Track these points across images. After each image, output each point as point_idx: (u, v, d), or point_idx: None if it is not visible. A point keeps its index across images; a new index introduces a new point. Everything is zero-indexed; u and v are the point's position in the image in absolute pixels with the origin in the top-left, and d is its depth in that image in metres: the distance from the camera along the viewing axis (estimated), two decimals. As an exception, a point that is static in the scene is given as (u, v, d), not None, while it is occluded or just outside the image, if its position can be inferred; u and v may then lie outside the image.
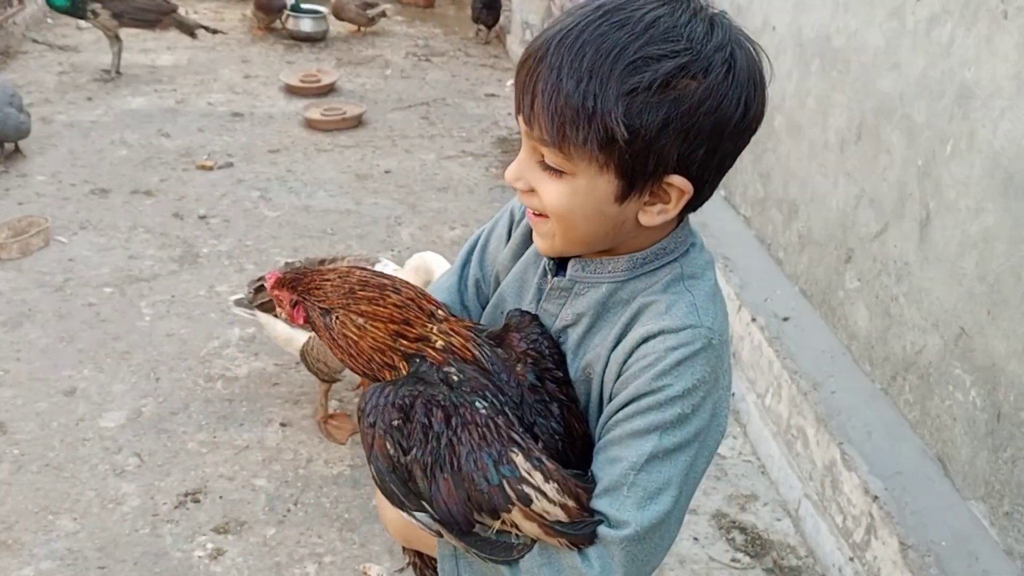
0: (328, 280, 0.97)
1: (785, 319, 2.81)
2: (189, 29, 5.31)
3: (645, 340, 0.92)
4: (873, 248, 2.44)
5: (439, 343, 0.95)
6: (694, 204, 0.93)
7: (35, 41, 5.73)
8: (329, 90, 5.34)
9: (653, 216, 0.90)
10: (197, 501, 2.36)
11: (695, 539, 2.39)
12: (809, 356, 2.64)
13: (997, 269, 1.95)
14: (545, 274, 1.03)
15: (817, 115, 2.75)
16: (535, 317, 1.02)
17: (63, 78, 5.22)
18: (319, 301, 0.97)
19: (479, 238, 1.18)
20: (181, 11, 5.37)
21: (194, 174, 4.20)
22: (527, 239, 1.08)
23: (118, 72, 5.27)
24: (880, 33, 2.40)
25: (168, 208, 3.87)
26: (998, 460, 1.96)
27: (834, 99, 2.65)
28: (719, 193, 3.50)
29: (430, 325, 0.95)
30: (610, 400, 0.94)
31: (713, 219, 3.38)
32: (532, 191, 0.91)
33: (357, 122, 4.90)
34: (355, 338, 0.95)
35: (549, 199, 0.89)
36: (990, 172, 1.97)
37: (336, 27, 6.47)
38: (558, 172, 0.87)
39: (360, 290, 0.95)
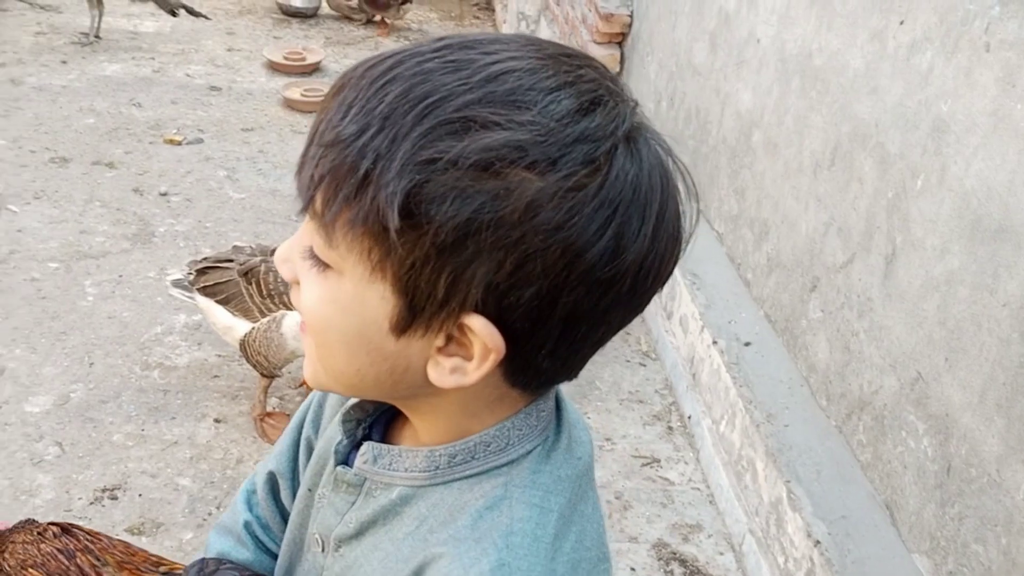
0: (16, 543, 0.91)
1: (747, 344, 2.71)
2: (169, 8, 5.15)
3: None
4: (838, 279, 2.34)
5: None
6: (524, 376, 0.60)
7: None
8: (313, 70, 5.21)
9: (445, 373, 0.58)
10: (115, 498, 2.26)
11: (632, 569, 2.29)
12: (767, 385, 2.54)
13: (958, 315, 1.85)
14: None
15: (794, 135, 2.64)
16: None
17: (39, 39, 5.09)
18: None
19: None
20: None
21: (161, 148, 4.08)
22: None
23: (97, 36, 5.13)
24: (860, 55, 2.29)
25: (129, 183, 3.75)
26: (945, 515, 1.86)
27: (811, 120, 2.54)
28: (694, 205, 3.41)
29: None
30: None
31: (686, 232, 3.27)
32: (298, 284, 0.62)
33: (337, 105, 4.77)
34: None
35: (305, 301, 0.61)
36: (959, 212, 1.86)
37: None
38: (323, 264, 0.59)
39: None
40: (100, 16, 5.13)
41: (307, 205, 0.57)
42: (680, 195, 0.61)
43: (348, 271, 0.57)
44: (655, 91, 3.91)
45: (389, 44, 5.84)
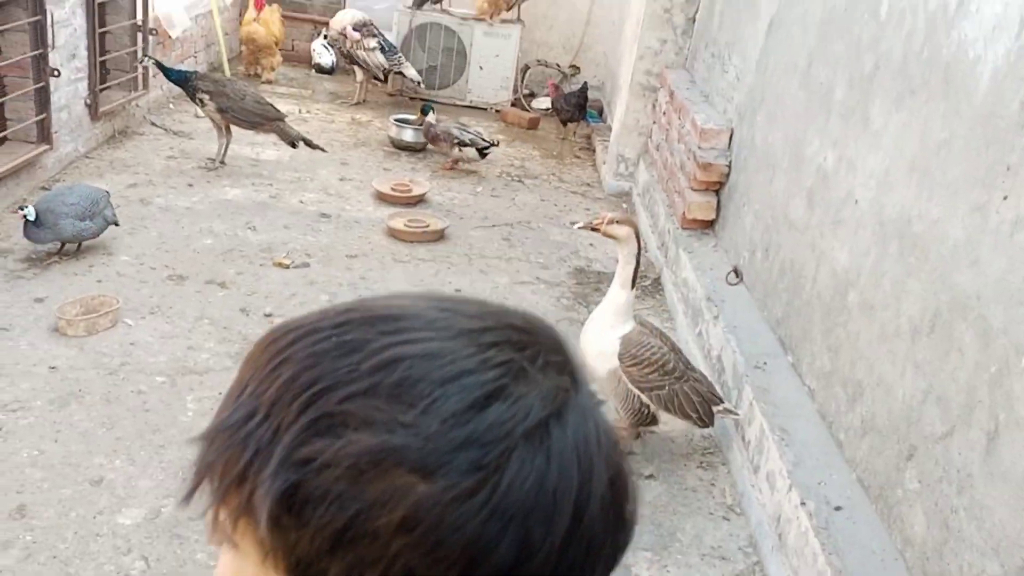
0: None
1: (837, 508, 2.62)
2: (291, 139, 5.52)
3: None
4: (937, 450, 2.26)
5: None
6: None
7: (153, 124, 6.05)
8: (418, 201, 5.44)
9: None
10: (192, 618, 2.29)
11: None
12: (858, 555, 2.44)
13: (1065, 504, 1.76)
14: None
15: (891, 298, 2.62)
16: None
17: (170, 162, 5.48)
18: None
19: None
20: (288, 120, 5.61)
21: (270, 270, 4.29)
22: None
23: (222, 162, 5.50)
24: (961, 226, 2.28)
25: (237, 302, 3.94)
26: None
27: (909, 285, 2.52)
28: (787, 358, 3.37)
29: None
30: None
31: (777, 385, 3.23)
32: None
33: (439, 236, 4.96)
34: None
35: (218, 569, 0.58)
36: (1065, 395, 1.80)
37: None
38: (232, 540, 0.55)
39: None
40: (227, 144, 5.51)
41: (193, 490, 0.55)
42: (624, 472, 0.56)
43: (249, 553, 0.54)
44: (750, 241, 3.94)
45: (469, 181, 6.06)
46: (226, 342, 3.61)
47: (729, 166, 4.37)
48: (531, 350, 0.53)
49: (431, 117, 6.13)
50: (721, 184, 4.45)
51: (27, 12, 4.37)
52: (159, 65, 5.47)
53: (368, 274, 4.42)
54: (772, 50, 3.98)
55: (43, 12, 4.44)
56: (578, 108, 6.95)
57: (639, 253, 3.12)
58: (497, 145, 6.16)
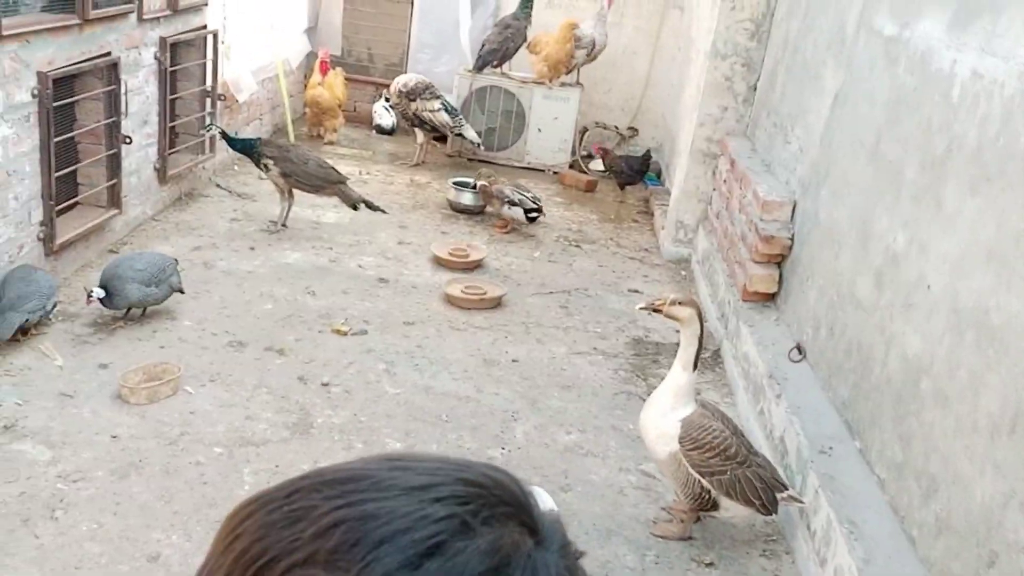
0: None
1: (912, 612, 2.49)
2: (352, 202, 5.61)
3: None
4: (1023, 561, 2.14)
5: None
6: None
7: (218, 186, 6.19)
8: (476, 266, 5.45)
9: None
10: None
11: None
12: (935, 666, 2.31)
13: None
14: None
15: (968, 391, 2.52)
16: None
17: (233, 225, 5.58)
18: None
19: None
20: (349, 182, 5.70)
21: (328, 337, 4.31)
22: None
23: (284, 225, 5.59)
24: (1044, 322, 2.19)
25: (295, 370, 3.95)
26: None
27: (988, 379, 2.42)
28: (854, 444, 3.26)
29: None
30: None
31: (844, 472, 3.12)
32: None
33: (496, 303, 4.95)
34: None
35: None
36: None
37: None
38: None
39: None
40: (289, 207, 5.60)
41: None
42: None
43: None
44: (814, 317, 3.85)
45: (524, 243, 6.05)
46: (283, 412, 3.62)
47: (792, 239, 4.30)
48: (476, 503, 0.52)
49: (487, 179, 6.20)
50: (783, 257, 4.38)
51: (102, 82, 4.52)
52: (224, 135, 5.61)
53: (425, 342, 4.41)
54: (837, 124, 3.92)
55: (118, 81, 4.59)
56: (639, 173, 6.98)
57: (701, 334, 3.07)
58: (543, 212, 6.16)
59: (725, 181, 5.31)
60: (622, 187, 7.08)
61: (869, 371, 3.20)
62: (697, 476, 3.04)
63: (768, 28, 5.44)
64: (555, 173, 7.64)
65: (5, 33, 3.67)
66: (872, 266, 3.30)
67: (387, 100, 7.97)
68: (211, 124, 5.72)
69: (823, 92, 4.19)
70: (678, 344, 4.96)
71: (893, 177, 3.23)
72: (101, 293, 3.90)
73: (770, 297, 4.47)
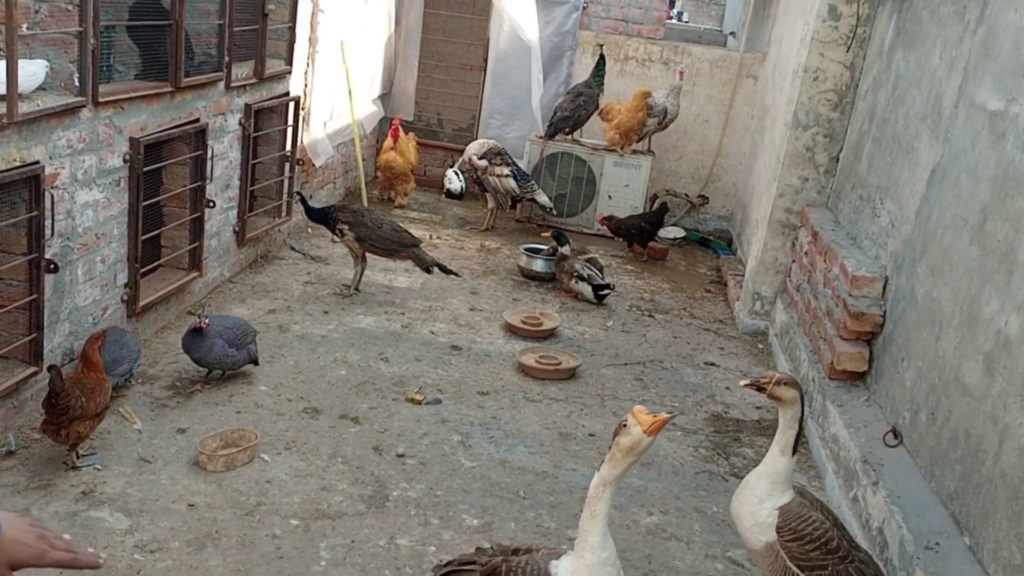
0: None
1: None
2: (425, 265, 5.61)
3: None
4: None
5: None
6: None
7: (292, 248, 6.24)
8: (549, 335, 5.36)
9: None
10: None
11: None
12: None
13: None
14: None
15: (1102, 492, 2.33)
16: None
17: (307, 288, 5.59)
18: None
19: None
20: (421, 246, 5.69)
21: (402, 406, 4.24)
22: None
23: (356, 289, 5.58)
24: None
25: (370, 439, 3.88)
26: None
27: None
28: (963, 540, 3.06)
29: None
30: None
31: (953, 571, 2.91)
32: None
33: (570, 374, 4.84)
34: None
35: None
36: None
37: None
38: None
39: None
40: (362, 271, 5.60)
41: None
42: None
43: None
44: (911, 400, 3.67)
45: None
46: (359, 484, 3.54)
47: (884, 316, 4.14)
48: None
49: (566, 249, 6.16)
50: (874, 335, 4.21)
51: (190, 147, 4.59)
52: (303, 202, 5.67)
53: (500, 413, 4.31)
54: (935, 200, 3.79)
55: (205, 147, 4.66)
56: (655, 226, 7.27)
57: (802, 417, 2.92)
58: (614, 289, 6.09)
59: (807, 253, 5.17)
60: (643, 245, 7.28)
61: (980, 462, 3.01)
62: (795, 569, 2.86)
63: (852, 99, 5.34)
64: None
65: (101, 100, 3.74)
66: (981, 350, 3.13)
67: (457, 165, 8.04)
68: (296, 192, 5.82)
69: (917, 166, 4.06)
70: (758, 421, 4.83)
71: (1004, 257, 3.08)
72: (207, 321, 3.97)
73: (859, 376, 4.29)
